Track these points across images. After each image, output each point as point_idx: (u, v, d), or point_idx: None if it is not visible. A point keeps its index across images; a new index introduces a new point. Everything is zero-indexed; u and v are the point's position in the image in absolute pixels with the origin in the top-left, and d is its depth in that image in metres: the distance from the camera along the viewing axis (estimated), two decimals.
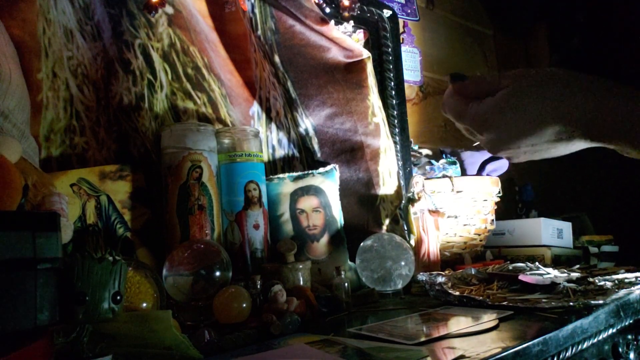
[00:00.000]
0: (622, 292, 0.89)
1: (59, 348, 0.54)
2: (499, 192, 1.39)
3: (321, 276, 1.07)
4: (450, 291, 0.94)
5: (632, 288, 0.92)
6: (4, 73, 0.79)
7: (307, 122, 1.29)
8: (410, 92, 1.81)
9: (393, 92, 1.53)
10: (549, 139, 0.51)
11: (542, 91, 0.50)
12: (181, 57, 1.12)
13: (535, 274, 1.03)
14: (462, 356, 0.58)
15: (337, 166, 1.19)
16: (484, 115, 0.54)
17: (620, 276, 1.03)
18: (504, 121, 0.52)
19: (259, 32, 1.21)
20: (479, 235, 1.37)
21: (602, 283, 0.97)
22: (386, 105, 1.48)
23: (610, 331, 0.85)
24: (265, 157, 1.22)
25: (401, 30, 1.70)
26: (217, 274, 0.81)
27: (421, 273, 1.06)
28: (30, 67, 0.93)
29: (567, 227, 1.52)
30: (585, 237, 1.61)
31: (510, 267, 1.13)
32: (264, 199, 1.07)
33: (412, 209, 1.24)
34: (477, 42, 2.23)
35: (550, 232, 1.45)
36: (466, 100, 0.57)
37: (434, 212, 1.23)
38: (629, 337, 0.94)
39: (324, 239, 1.11)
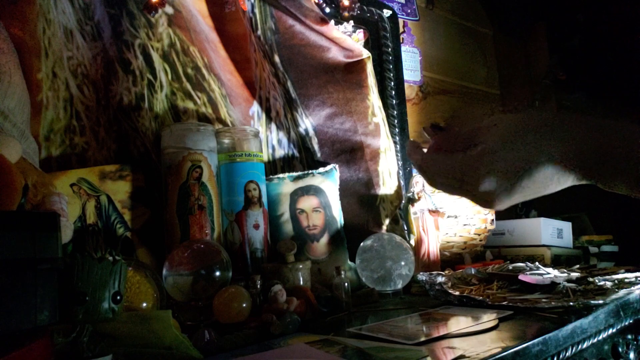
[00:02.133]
0: (622, 292, 0.89)
1: (59, 348, 0.54)
2: None
3: (321, 276, 1.07)
4: (450, 291, 0.94)
5: (632, 288, 0.92)
6: (4, 73, 0.79)
7: (307, 122, 1.29)
8: (410, 92, 1.81)
9: (393, 92, 1.53)
10: (542, 182, 0.50)
11: (526, 135, 0.49)
12: (181, 57, 1.12)
13: (535, 274, 1.03)
14: (462, 356, 0.58)
15: (337, 166, 1.19)
16: (475, 166, 0.51)
17: (620, 276, 1.03)
18: (495, 172, 0.50)
19: (259, 32, 1.21)
20: (479, 235, 1.37)
21: (601, 283, 0.97)
22: (386, 105, 1.48)
23: (610, 331, 0.85)
24: (265, 157, 1.22)
25: (401, 30, 1.70)
26: (217, 274, 0.81)
27: (421, 273, 1.06)
28: (30, 67, 0.93)
29: (567, 227, 1.52)
30: (585, 237, 1.61)
31: (510, 267, 1.13)
32: (264, 199, 1.07)
33: (412, 209, 1.24)
34: (477, 42, 2.23)
35: (550, 232, 1.45)
36: (446, 153, 0.55)
37: (434, 212, 1.23)
38: (629, 337, 0.94)
39: (324, 239, 1.11)
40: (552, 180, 0.50)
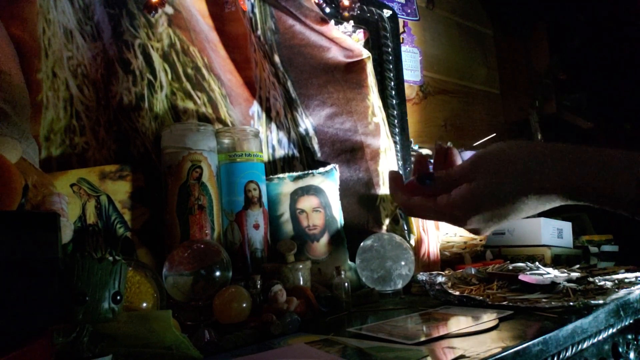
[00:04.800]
0: (622, 292, 0.89)
1: (59, 348, 0.54)
2: None
3: (321, 276, 1.07)
4: (450, 291, 0.94)
5: (632, 288, 0.92)
6: (4, 73, 0.79)
7: (307, 122, 1.29)
8: (410, 91, 1.81)
9: (393, 92, 1.53)
10: (527, 211, 0.53)
11: (512, 169, 0.51)
12: (181, 57, 1.12)
13: (535, 273, 1.03)
14: (462, 356, 0.58)
15: (337, 166, 1.19)
16: (462, 208, 0.54)
17: (620, 276, 1.03)
18: (483, 210, 0.53)
19: (259, 32, 1.21)
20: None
21: (602, 283, 0.97)
22: (386, 105, 1.48)
23: (610, 331, 0.85)
24: (265, 157, 1.22)
25: (401, 30, 1.70)
26: (217, 274, 0.81)
27: (421, 273, 1.06)
28: (30, 67, 0.93)
29: (567, 226, 1.52)
30: (585, 236, 1.60)
31: (510, 267, 1.13)
32: (264, 199, 1.07)
33: None
34: (477, 42, 2.23)
35: (550, 231, 1.45)
36: (430, 197, 0.57)
37: None
38: (629, 336, 0.94)
39: (324, 239, 1.11)
40: (537, 208, 0.53)
